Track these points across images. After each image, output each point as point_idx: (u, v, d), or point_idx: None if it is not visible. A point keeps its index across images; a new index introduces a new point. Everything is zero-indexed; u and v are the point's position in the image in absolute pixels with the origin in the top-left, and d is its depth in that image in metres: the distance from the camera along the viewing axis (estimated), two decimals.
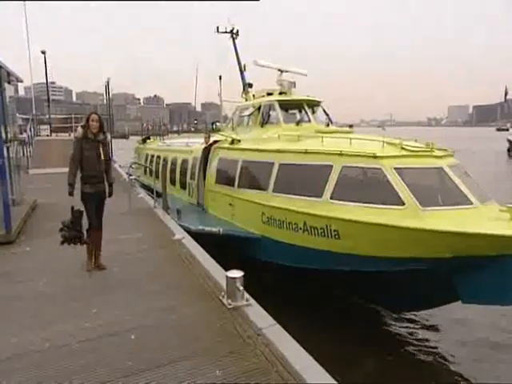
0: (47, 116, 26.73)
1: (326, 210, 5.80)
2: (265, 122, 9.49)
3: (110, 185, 5.73)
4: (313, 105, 9.64)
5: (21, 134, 18.87)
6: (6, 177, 6.89)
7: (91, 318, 3.97)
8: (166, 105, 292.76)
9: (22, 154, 16.16)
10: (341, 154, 6.00)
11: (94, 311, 4.12)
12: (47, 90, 27.21)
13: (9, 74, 9.10)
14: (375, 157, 5.63)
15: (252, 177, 8.14)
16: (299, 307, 6.53)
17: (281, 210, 6.66)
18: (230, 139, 9.51)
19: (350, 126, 9.48)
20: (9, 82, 9.08)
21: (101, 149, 5.48)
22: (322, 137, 6.89)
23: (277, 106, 9.24)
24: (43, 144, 19.52)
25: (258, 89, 11.47)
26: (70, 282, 4.90)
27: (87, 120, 5.45)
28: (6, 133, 8.15)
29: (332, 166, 6.03)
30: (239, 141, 9.21)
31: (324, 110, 9.85)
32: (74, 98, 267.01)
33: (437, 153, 5.77)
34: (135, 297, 4.45)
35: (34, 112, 25.44)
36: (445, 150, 6.05)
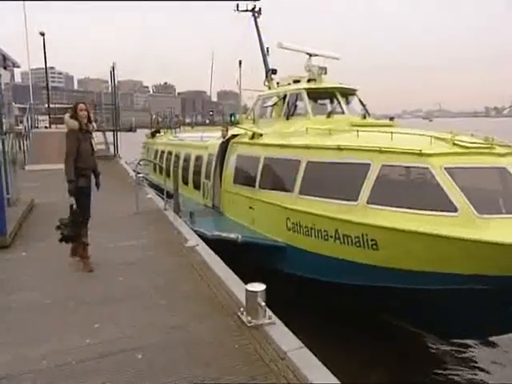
0: (46, 105, 27.59)
1: (362, 216, 5.74)
2: (291, 113, 9.48)
3: (98, 176, 6.09)
4: (347, 94, 9.55)
5: (17, 125, 19.56)
6: (1, 174, 7.09)
7: (93, 334, 4.05)
8: (178, 93, 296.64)
9: (18, 147, 16.74)
10: (380, 151, 5.92)
11: (95, 326, 4.20)
12: (46, 76, 28.05)
13: (5, 58, 9.37)
14: (421, 154, 5.51)
15: (275, 176, 8.16)
16: (329, 326, 6.47)
17: (308, 215, 6.65)
18: (250, 133, 9.55)
19: (391, 119, 9.34)
20: (5, 68, 9.34)
21: (91, 140, 5.93)
22: (358, 131, 6.81)
23: (305, 95, 9.21)
24: (41, 137, 20.09)
25: (283, 76, 11.48)
26: (70, 292, 5.01)
27: (75, 110, 5.73)
28: (2, 124, 8.43)
29: (369, 165, 5.95)
30: (261, 135, 9.24)
31: (360, 100, 9.75)
32: (76, 86, 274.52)
33: (498, 149, 5.57)
34: (142, 311, 4.51)
35: (31, 101, 26.22)
36: (508, 146, 5.85)
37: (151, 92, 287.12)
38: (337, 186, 6.43)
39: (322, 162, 6.82)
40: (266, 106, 10.52)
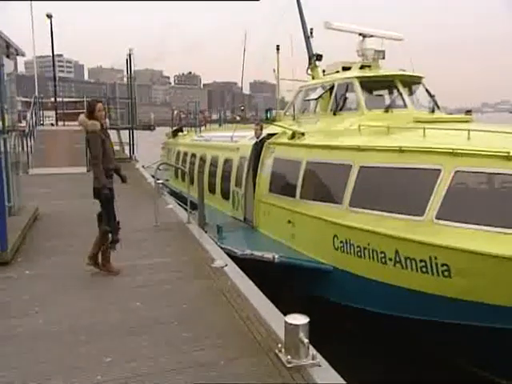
0: (52, 99, 28.70)
1: (430, 235, 5.59)
2: (339, 107, 9.44)
3: (119, 170, 6.70)
4: (410, 82, 9.41)
5: (20, 122, 20.43)
6: (2, 179, 7.32)
7: (104, 370, 4.10)
8: (204, 85, 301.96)
9: (21, 148, 17.49)
10: (453, 154, 5.77)
11: (107, 360, 4.26)
12: (53, 65, 29.23)
13: (8, 45, 9.74)
14: (508, 158, 5.32)
15: (320, 184, 8.16)
16: (386, 367, 6.31)
17: (361, 233, 6.57)
18: (289, 132, 9.59)
19: (468, 112, 9.10)
20: (7, 56, 9.69)
21: (109, 138, 6.55)
22: (424, 128, 6.66)
23: (357, 84, 9.15)
24: (47, 136, 20.93)
25: (330, 62, 11.50)
26: (80, 318, 5.12)
27: (93, 110, 6.34)
28: (4, 120, 8.76)
29: (439, 171, 5.81)
30: (303, 134, 9.26)
31: (427, 90, 9.57)
32: (86, 76, 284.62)
33: None
34: (161, 344, 4.54)
35: (36, 93, 27.27)
36: None
37: (172, 83, 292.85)
38: (397, 197, 6.32)
39: (379, 167, 6.74)
40: (309, 100, 10.55)
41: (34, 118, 22.07)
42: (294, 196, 8.51)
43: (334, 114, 9.47)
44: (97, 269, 6.59)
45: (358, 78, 9.28)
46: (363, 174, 6.97)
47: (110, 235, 6.56)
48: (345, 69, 10.35)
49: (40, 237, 8.63)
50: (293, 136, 9.41)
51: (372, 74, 9.43)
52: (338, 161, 7.58)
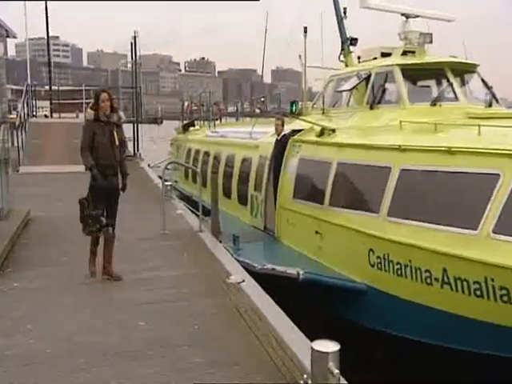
0: (47, 87, 29.12)
1: (486, 252, 5.52)
2: (377, 100, 9.42)
3: (125, 176, 7.11)
4: (462, 71, 9.34)
5: (10, 113, 20.76)
6: None
7: None
8: (219, 73, 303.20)
9: (10, 143, 17.75)
10: None
11: None
12: (48, 49, 29.68)
13: None
14: None
15: (353, 189, 8.16)
16: None
17: (402, 247, 6.52)
18: (318, 128, 9.57)
19: None
20: None
21: (115, 133, 6.82)
22: (479, 125, 6.58)
23: (398, 73, 9.11)
24: (41, 129, 21.22)
25: (367, 47, 11.48)
26: (76, 339, 5.15)
27: (96, 100, 6.71)
28: None
29: (498, 177, 5.73)
30: (333, 131, 9.25)
31: (483, 80, 9.45)
32: (85, 62, 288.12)
33: None
34: (170, 371, 4.55)
35: (28, 81, 27.67)
36: None
37: (183, 71, 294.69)
38: (445, 207, 6.26)
39: (423, 170, 6.69)
40: (342, 91, 10.53)
41: (25, 109, 22.30)
42: (322, 203, 8.48)
43: (371, 107, 9.42)
44: (111, 280, 6.89)
45: (399, 65, 9.22)
46: (404, 178, 6.91)
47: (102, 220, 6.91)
48: (384, 55, 10.31)
49: (32, 244, 8.75)
50: (322, 133, 9.39)
51: (416, 61, 9.35)
52: (374, 163, 7.55)
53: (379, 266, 6.94)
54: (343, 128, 9.25)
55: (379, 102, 9.39)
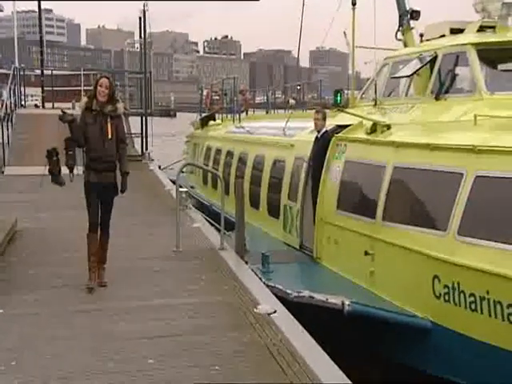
0: (38, 71, 29.61)
1: None
2: (445, 88, 9.34)
3: (123, 175, 7.67)
4: None
5: None
6: None
7: None
8: (245, 54, 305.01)
9: None
10: None
11: None
12: (40, 24, 30.19)
13: None
14: None
15: (414, 200, 8.10)
16: None
17: (477, 275, 6.47)
18: (368, 123, 9.55)
19: None
20: None
21: (108, 124, 7.41)
22: None
23: (473, 55, 9.02)
24: (31, 122, 21.53)
25: (432, 22, 11.38)
26: (69, 382, 5.17)
27: (95, 85, 7.38)
28: None
29: None
30: (388, 127, 9.22)
31: None
32: (84, 40, 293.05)
33: None
34: None
35: (16, 63, 28.13)
36: None
37: (201, 52, 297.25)
38: None
39: (506, 178, 6.60)
40: (399, 77, 10.49)
41: (12, 98, 22.72)
42: (373, 216, 8.44)
43: (437, 97, 9.33)
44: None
45: (474, 44, 9.08)
46: (480, 187, 6.83)
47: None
48: (454, 31, 10.20)
49: (19, 262, 8.83)
50: (373, 129, 9.35)
51: (497, 39, 9.20)
52: (441, 167, 7.47)
53: (447, 297, 6.85)
54: (401, 123, 9.20)
55: (447, 91, 9.29)
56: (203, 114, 23.49)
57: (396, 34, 12.16)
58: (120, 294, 7.31)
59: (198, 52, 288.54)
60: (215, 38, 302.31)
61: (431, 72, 9.65)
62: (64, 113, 7.28)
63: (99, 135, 7.38)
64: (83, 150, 7.52)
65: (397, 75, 10.51)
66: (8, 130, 20.45)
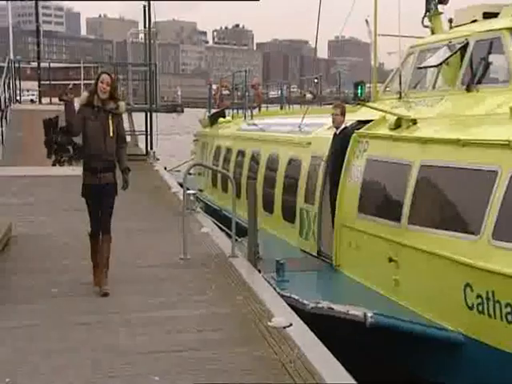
0: (34, 63, 29.71)
1: None
2: (477, 79, 9.30)
3: (125, 171, 7.98)
4: None
5: None
6: None
7: None
8: (258, 45, 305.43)
9: None
10: None
11: None
12: (36, 13, 30.32)
13: None
14: None
15: (443, 202, 8.08)
16: None
17: None
18: (393, 118, 9.53)
19: None
20: None
21: (110, 121, 7.66)
22: None
23: (509, 40, 8.97)
24: (26, 118, 21.55)
25: (463, 6, 11.32)
26: None
27: (96, 81, 7.65)
28: None
29: None
30: (414, 121, 9.20)
31: None
32: (84, 30, 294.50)
33: None
34: None
35: (11, 55, 28.25)
36: None
37: (210, 42, 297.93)
38: None
39: None
40: (426, 67, 10.46)
41: (6, 92, 22.76)
42: (398, 220, 8.41)
43: (468, 89, 9.29)
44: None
45: (510, 29, 9.02)
46: None
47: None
48: (487, 16, 10.15)
49: (13, 270, 8.86)
50: (398, 124, 9.33)
51: None
52: (473, 165, 7.43)
53: (480, 308, 6.82)
54: (428, 118, 9.17)
55: (480, 82, 9.23)
56: (212, 111, 23.53)
57: (422, 20, 12.08)
58: (122, 304, 7.32)
59: (206, 42, 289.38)
60: (225, 27, 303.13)
61: (462, 61, 9.60)
62: (66, 94, 7.58)
63: (100, 132, 7.61)
64: (74, 147, 7.92)
65: (424, 65, 10.47)
66: (2, 127, 20.51)
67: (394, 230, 8.47)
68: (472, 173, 7.43)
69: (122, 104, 7.98)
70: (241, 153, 16.40)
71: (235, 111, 21.92)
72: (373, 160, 9.53)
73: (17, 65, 26.31)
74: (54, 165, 7.97)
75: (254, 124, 17.52)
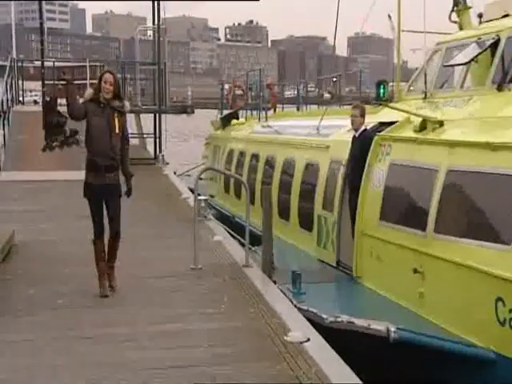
0: (37, 62, 29.87)
1: None
2: (509, 78, 9.29)
3: (128, 177, 8.17)
4: None
5: None
6: None
7: None
8: (273, 42, 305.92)
9: None
10: None
11: None
12: (40, 10, 30.50)
13: None
14: None
15: (472, 210, 8.03)
16: None
17: None
18: (417, 120, 9.50)
19: None
20: None
21: (116, 119, 7.92)
22: None
23: None
24: (29, 120, 21.59)
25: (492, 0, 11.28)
26: None
27: (99, 81, 7.92)
28: None
29: None
30: (441, 123, 9.15)
31: None
32: (90, 27, 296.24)
33: None
34: None
35: (14, 54, 28.43)
36: None
37: (222, 40, 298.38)
38: None
39: None
40: (454, 65, 10.41)
41: (8, 93, 22.96)
42: (423, 228, 8.38)
43: (499, 88, 9.25)
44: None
45: None
46: None
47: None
48: None
49: (15, 280, 8.89)
50: (423, 126, 9.29)
51: None
52: (504, 170, 7.39)
53: None
54: (456, 119, 9.13)
55: None
56: (225, 112, 23.55)
57: (450, 14, 12.05)
58: (129, 317, 7.30)
59: (218, 40, 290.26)
60: (238, 24, 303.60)
61: (492, 58, 9.57)
62: (64, 73, 8.09)
63: (105, 128, 7.87)
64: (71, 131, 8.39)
65: (451, 63, 10.43)
66: (4, 129, 20.64)
67: (418, 239, 8.43)
68: (503, 178, 7.38)
69: (127, 103, 8.29)
70: (255, 157, 16.41)
71: (249, 112, 21.94)
72: (396, 164, 9.49)
73: (19, 64, 26.44)
74: (43, 150, 8.17)
75: (269, 126, 17.52)
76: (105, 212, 8.17)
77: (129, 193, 8.19)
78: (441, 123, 9.11)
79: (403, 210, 9.19)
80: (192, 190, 13.54)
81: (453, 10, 11.97)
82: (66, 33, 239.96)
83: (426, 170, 8.69)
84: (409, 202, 9.15)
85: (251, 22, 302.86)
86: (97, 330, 6.93)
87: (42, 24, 30.25)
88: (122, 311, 7.52)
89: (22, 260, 9.99)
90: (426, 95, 10.75)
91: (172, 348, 6.53)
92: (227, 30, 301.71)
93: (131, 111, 24.64)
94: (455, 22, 11.97)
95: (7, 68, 23.52)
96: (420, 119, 9.39)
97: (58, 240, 11.15)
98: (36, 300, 8.03)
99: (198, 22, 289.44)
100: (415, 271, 8.37)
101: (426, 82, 10.79)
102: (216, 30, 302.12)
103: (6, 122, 21.08)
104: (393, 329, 7.27)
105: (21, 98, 26.43)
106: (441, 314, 7.89)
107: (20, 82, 26.32)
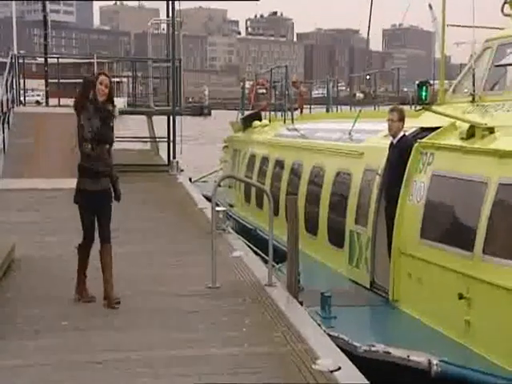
0: (41, 59, 30.03)
1: None
2: None
3: (115, 180, 8.51)
4: None
5: None
6: None
7: None
8: (299, 36, 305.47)
9: None
10: None
11: None
12: (43, 1, 30.69)
13: None
14: None
15: None
16: None
17: None
18: (464, 126, 9.47)
19: None
20: None
21: (108, 120, 8.36)
22: None
23: None
24: (31, 123, 21.82)
25: None
26: None
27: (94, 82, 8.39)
28: None
29: None
30: (491, 130, 9.11)
31: None
32: (97, 20, 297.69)
33: None
34: None
35: (15, 50, 28.64)
36: None
37: (243, 33, 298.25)
38: None
39: None
40: (506, 65, 10.44)
41: (9, 92, 22.98)
42: (470, 248, 8.29)
43: None
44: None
45: None
46: None
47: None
48: None
49: (16, 300, 8.93)
50: (471, 133, 9.23)
51: None
52: None
53: None
54: (508, 126, 9.05)
55: None
56: (246, 113, 23.57)
57: (502, 6, 11.96)
58: (141, 340, 7.30)
59: (238, 33, 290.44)
60: (261, 16, 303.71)
61: None
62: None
63: (101, 132, 8.37)
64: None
65: (503, 62, 10.43)
66: (4, 133, 20.60)
67: (465, 261, 8.35)
68: None
69: (117, 108, 8.89)
70: (279, 163, 16.41)
71: (273, 113, 21.91)
72: (439, 175, 9.44)
73: (21, 61, 26.49)
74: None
75: (295, 129, 17.53)
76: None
77: (118, 197, 8.59)
78: (491, 130, 9.03)
79: (447, 227, 9.13)
80: (208, 199, 13.57)
81: (506, 2, 11.85)
82: (71, 26, 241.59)
83: (474, 182, 8.62)
84: (454, 219, 9.09)
85: (275, 13, 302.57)
86: (107, 355, 6.93)
87: (45, 17, 30.21)
88: (134, 334, 7.52)
89: (23, 277, 10.03)
90: (473, 98, 10.70)
91: (188, 376, 6.49)
92: (248, 22, 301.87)
93: (142, 112, 24.88)
94: (509, 16, 11.84)
95: (7, 65, 23.50)
96: (467, 125, 9.33)
97: (65, 255, 10.95)
98: (41, 321, 8.03)
99: (216, 14, 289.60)
100: (461, 297, 8.25)
101: (474, 84, 10.73)
102: (236, 22, 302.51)
103: (6, 124, 20.98)
104: (435, 361, 7.27)
105: (22, 98, 26.45)
106: (490, 346, 7.79)
107: (21, 81, 26.25)
